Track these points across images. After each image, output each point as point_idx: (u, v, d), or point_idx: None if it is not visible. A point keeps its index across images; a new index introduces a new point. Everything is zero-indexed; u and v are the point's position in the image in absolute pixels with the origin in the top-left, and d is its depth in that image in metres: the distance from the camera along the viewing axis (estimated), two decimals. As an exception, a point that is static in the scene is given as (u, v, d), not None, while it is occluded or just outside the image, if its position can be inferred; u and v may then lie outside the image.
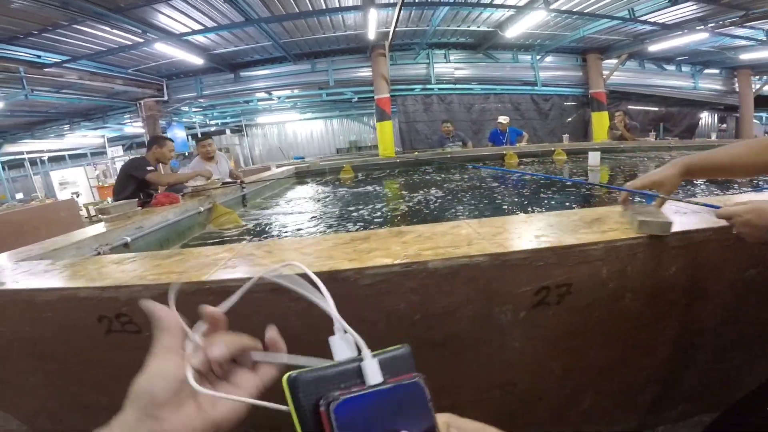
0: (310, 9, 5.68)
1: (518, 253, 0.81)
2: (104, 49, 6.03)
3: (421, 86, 8.73)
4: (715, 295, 0.99)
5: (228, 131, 13.22)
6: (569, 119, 9.72)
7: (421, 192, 3.12)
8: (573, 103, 9.68)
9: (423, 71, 8.64)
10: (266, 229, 2.38)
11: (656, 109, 10.90)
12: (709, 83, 10.44)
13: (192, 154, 12.28)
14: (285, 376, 0.27)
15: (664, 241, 0.88)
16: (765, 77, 10.19)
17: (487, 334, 0.90)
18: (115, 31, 5.42)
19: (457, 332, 0.88)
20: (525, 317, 0.87)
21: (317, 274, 0.77)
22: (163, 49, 6.24)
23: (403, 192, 3.34)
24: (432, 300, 0.84)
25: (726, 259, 0.95)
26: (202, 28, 5.84)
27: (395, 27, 5.95)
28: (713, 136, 9.06)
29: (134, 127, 11.15)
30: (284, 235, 2.23)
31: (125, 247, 1.77)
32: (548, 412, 1.10)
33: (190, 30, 5.87)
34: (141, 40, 5.83)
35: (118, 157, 12.31)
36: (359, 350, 0.31)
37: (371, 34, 6.53)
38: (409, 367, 0.29)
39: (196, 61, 7.11)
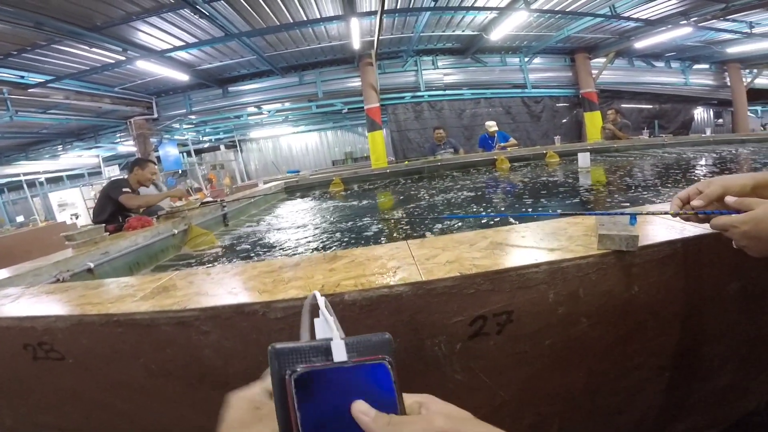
0: (291, 21, 5.66)
1: (443, 281, 0.70)
2: (87, 68, 6.00)
3: (410, 94, 8.68)
4: (691, 315, 0.88)
5: (222, 147, 13.23)
6: (564, 120, 9.65)
7: (406, 202, 3.06)
8: (565, 104, 9.63)
9: (412, 79, 8.61)
10: (242, 249, 2.31)
11: (650, 106, 10.83)
12: (701, 78, 10.39)
13: (185, 172, 12.29)
14: (269, 347, 0.30)
15: (622, 258, 0.78)
16: (755, 70, 10.12)
17: (423, 366, 0.79)
18: (94, 50, 5.39)
19: (389, 366, 0.78)
20: (462, 349, 0.77)
21: (221, 307, 0.71)
22: (147, 66, 6.20)
23: (388, 203, 3.29)
24: (354, 333, 0.74)
25: (701, 272, 0.85)
26: (183, 44, 5.82)
27: (379, 35, 5.92)
28: (708, 132, 8.96)
29: (126, 146, 11.14)
30: (260, 254, 2.15)
31: (89, 272, 1.74)
32: None
33: (171, 47, 5.85)
34: (123, 58, 5.81)
35: (115, 176, 12.31)
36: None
37: (356, 44, 6.50)
38: (385, 352, 0.31)
39: (182, 77, 7.10)
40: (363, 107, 8.25)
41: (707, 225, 0.71)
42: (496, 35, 7.01)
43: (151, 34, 5.40)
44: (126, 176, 3.03)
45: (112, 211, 2.78)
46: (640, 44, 8.04)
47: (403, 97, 8.70)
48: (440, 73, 8.68)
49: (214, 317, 0.76)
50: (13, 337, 0.88)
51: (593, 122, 8.86)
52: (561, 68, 9.30)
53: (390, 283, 0.71)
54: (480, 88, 8.93)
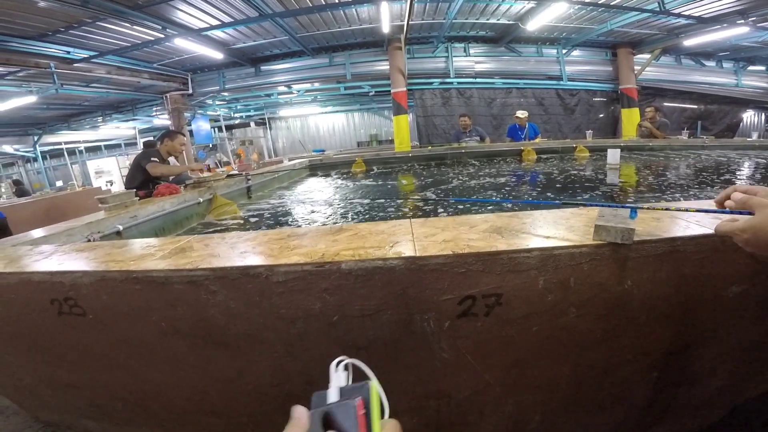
0: (323, 3, 5.66)
1: (435, 258, 0.74)
2: (128, 44, 6.22)
3: (439, 80, 8.54)
4: (687, 315, 0.87)
5: (252, 124, 13.53)
6: (600, 116, 9.27)
7: (423, 186, 3.11)
8: (602, 99, 9.23)
9: (442, 65, 8.44)
10: (262, 219, 2.43)
11: (694, 106, 10.22)
12: (755, 80, 9.67)
13: (216, 146, 12.65)
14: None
15: (618, 251, 0.78)
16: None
17: (411, 341, 0.83)
18: (135, 27, 5.58)
19: (379, 337, 0.83)
20: (450, 327, 0.80)
21: (229, 268, 0.78)
22: (184, 44, 6.38)
23: (406, 186, 3.35)
24: (348, 302, 0.79)
25: (701, 273, 0.83)
26: (219, 23, 5.93)
27: (409, 20, 5.83)
28: (754, 136, 8.40)
29: (161, 119, 11.57)
30: (278, 224, 2.27)
31: (117, 234, 1.86)
32: (492, 428, 1.02)
33: (207, 25, 5.98)
34: (162, 36, 5.98)
35: (144, 145, 12.81)
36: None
37: (385, 28, 6.42)
38: (360, 394, 0.40)
39: (217, 55, 7.26)
40: (390, 91, 8.21)
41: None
42: (532, 26, 6.77)
43: (189, 12, 5.52)
44: (157, 147, 3.18)
45: (143, 179, 2.93)
46: (689, 42, 7.55)
47: (431, 83, 8.57)
48: (472, 60, 8.47)
49: (222, 278, 0.82)
50: (42, 292, 0.94)
51: (630, 119, 8.47)
52: (601, 62, 8.88)
53: (385, 256, 0.75)
54: (513, 78, 8.68)
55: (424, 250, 0.77)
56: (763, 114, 11.59)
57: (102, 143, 14.79)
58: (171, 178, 3.10)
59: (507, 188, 2.90)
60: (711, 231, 0.80)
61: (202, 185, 2.80)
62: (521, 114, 5.50)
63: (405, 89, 8.01)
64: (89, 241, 1.64)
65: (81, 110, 10.71)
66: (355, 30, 7.31)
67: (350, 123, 13.55)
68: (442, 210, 2.22)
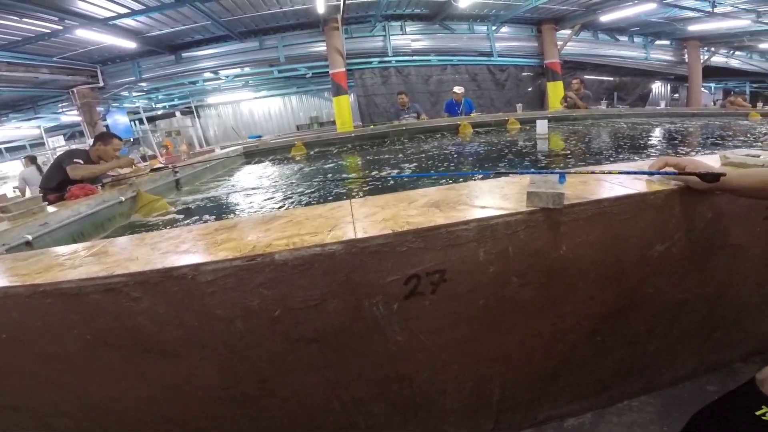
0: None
1: (375, 239, 0.71)
2: (19, 38, 5.39)
3: (378, 59, 8.47)
4: (619, 277, 0.92)
5: (178, 113, 12.51)
6: (528, 89, 9.74)
7: (367, 164, 3.09)
8: (529, 74, 9.69)
9: (380, 44, 8.38)
10: (197, 212, 2.29)
11: (610, 78, 11.11)
12: (660, 54, 10.63)
13: (138, 140, 11.54)
14: None
15: (550, 216, 0.79)
16: (712, 48, 10.47)
17: (363, 327, 0.80)
18: (26, 20, 4.83)
19: (329, 326, 0.79)
20: (400, 309, 0.78)
21: (149, 272, 0.68)
22: (88, 35, 5.67)
23: (346, 166, 3.30)
24: (289, 294, 0.74)
25: (628, 233, 0.87)
26: (129, 11, 5.32)
27: (345, -1, 5.63)
28: (662, 104, 9.37)
29: (70, 116, 10.27)
30: (214, 215, 2.15)
31: (28, 245, 1.63)
32: (458, 404, 1.03)
33: (115, 14, 5.33)
34: (59, 28, 5.25)
35: (60, 147, 11.37)
36: None
37: (320, 8, 6.16)
38: None
39: (129, 45, 6.57)
40: (328, 72, 7.97)
41: (636, 185, 0.80)
42: (464, 2, 6.87)
43: (89, 1, 4.89)
44: (87, 148, 2.81)
45: (61, 180, 2.59)
46: (605, 17, 8.09)
47: (370, 62, 8.50)
48: (408, 38, 8.48)
49: (143, 282, 0.73)
50: None
51: (555, 92, 9.00)
52: (527, 38, 9.29)
53: (323, 242, 0.71)
54: (447, 54, 8.84)
55: (364, 231, 0.73)
56: (668, 85, 12.93)
57: (1, 146, 12.91)
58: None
59: (448, 162, 2.96)
60: (633, 191, 0.86)
61: (122, 182, 2.54)
62: (458, 89, 5.62)
63: (344, 69, 7.83)
64: (-8, 255, 1.44)
65: (-34, 111, 9.21)
66: (286, 12, 6.93)
67: (287, 106, 13.05)
68: (387, 186, 2.21)
